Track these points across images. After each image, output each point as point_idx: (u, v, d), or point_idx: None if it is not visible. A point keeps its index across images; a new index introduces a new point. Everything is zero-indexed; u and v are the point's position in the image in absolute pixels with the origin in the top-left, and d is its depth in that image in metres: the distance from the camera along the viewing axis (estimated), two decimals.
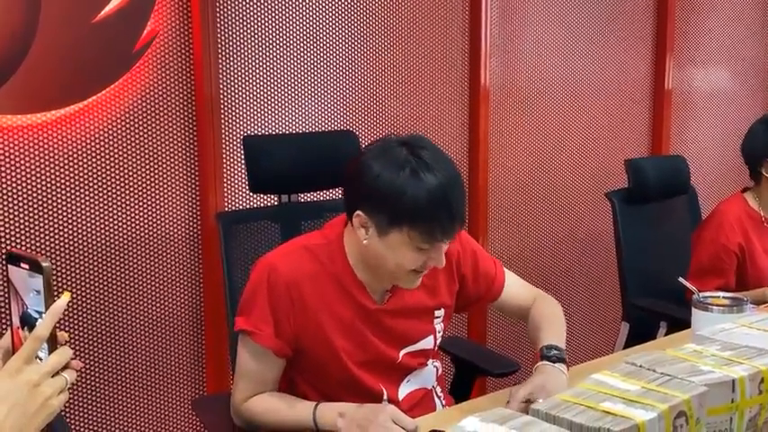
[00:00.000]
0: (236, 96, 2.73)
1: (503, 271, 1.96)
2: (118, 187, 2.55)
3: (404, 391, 1.84)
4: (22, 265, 1.08)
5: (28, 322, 1.09)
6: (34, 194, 2.40)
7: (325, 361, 1.75)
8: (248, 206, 2.75)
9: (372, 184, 1.61)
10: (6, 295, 1.14)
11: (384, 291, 1.78)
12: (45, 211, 2.42)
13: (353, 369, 1.76)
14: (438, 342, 1.89)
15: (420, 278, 1.72)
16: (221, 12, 2.66)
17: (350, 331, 1.75)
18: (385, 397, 1.80)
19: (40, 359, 1.08)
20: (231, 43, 2.70)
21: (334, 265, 1.74)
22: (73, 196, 2.47)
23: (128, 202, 2.57)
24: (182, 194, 2.67)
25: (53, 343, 1.08)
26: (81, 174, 2.48)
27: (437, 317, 1.86)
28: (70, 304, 1.08)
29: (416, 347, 1.83)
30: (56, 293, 1.08)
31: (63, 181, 2.45)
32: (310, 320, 1.72)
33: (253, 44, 2.75)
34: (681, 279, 2.24)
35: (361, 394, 1.77)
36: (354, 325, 1.75)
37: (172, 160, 2.64)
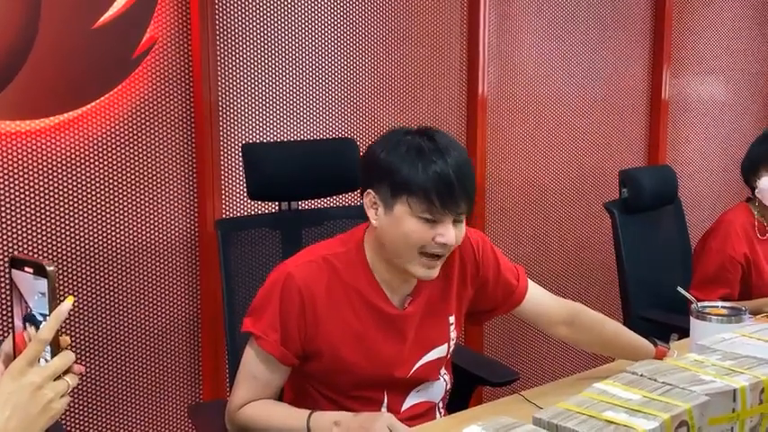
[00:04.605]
0: (235, 103, 2.73)
1: (525, 279, 1.95)
2: (116, 193, 2.54)
3: (409, 401, 1.83)
4: (26, 269, 1.08)
5: (32, 324, 1.08)
6: (31, 201, 2.40)
7: (334, 371, 1.75)
8: (246, 214, 2.75)
9: (375, 161, 1.69)
10: (9, 301, 1.14)
11: (405, 296, 1.79)
12: (42, 217, 2.42)
13: (362, 381, 1.76)
14: (451, 350, 1.89)
15: (436, 267, 1.70)
16: (220, 19, 2.66)
17: (363, 343, 1.75)
18: (384, 406, 1.80)
19: (46, 361, 1.08)
20: (230, 50, 2.70)
21: (353, 273, 1.75)
22: (71, 202, 2.46)
23: (126, 208, 2.57)
24: (180, 201, 2.67)
25: (56, 347, 1.08)
26: (79, 180, 2.47)
27: (450, 323, 1.86)
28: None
29: (431, 357, 1.83)
30: (59, 297, 1.08)
31: (61, 187, 2.44)
32: (321, 331, 1.72)
33: (251, 51, 2.75)
34: (680, 289, 2.25)
35: (367, 403, 1.77)
36: (369, 336, 1.75)
37: (170, 167, 2.64)
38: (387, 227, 1.68)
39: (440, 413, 1.91)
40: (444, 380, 1.90)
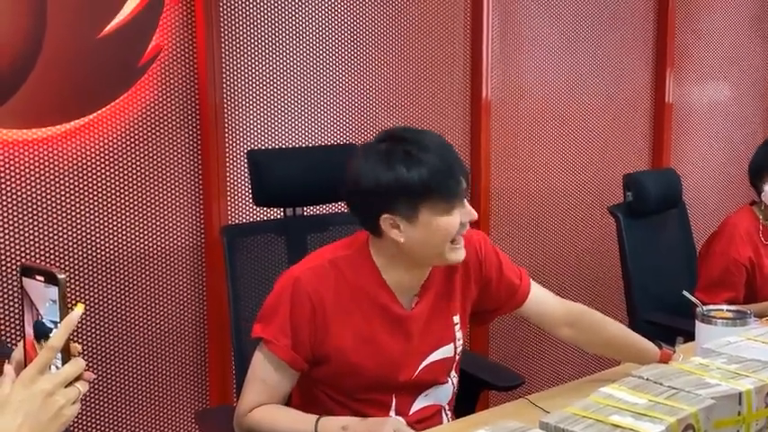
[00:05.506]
0: (240, 110, 2.74)
1: (528, 280, 1.97)
2: (123, 201, 2.55)
3: (418, 405, 1.84)
4: (37, 277, 1.09)
5: (43, 332, 1.09)
6: (39, 209, 2.41)
7: (341, 374, 1.76)
8: (252, 220, 2.76)
9: (379, 188, 1.68)
10: (20, 309, 1.15)
11: (412, 296, 1.81)
12: (49, 224, 2.43)
13: (369, 384, 1.77)
14: (459, 350, 1.89)
15: (463, 247, 1.76)
16: (225, 27, 2.67)
17: (370, 345, 1.76)
18: (392, 409, 1.80)
19: (57, 368, 1.09)
20: (235, 58, 2.71)
21: (361, 274, 1.76)
22: (78, 210, 2.47)
23: (132, 215, 2.58)
24: (186, 208, 2.68)
25: (67, 354, 1.09)
26: (86, 188, 2.48)
27: (455, 323, 1.87)
28: None
29: (436, 357, 1.84)
30: (69, 305, 1.08)
31: (67, 195, 2.45)
32: (330, 335, 1.73)
33: (256, 59, 2.76)
34: (685, 292, 2.25)
35: (375, 406, 1.77)
36: (376, 338, 1.76)
37: (176, 174, 2.65)
38: (418, 236, 1.70)
39: (446, 416, 1.91)
40: (452, 383, 1.91)
